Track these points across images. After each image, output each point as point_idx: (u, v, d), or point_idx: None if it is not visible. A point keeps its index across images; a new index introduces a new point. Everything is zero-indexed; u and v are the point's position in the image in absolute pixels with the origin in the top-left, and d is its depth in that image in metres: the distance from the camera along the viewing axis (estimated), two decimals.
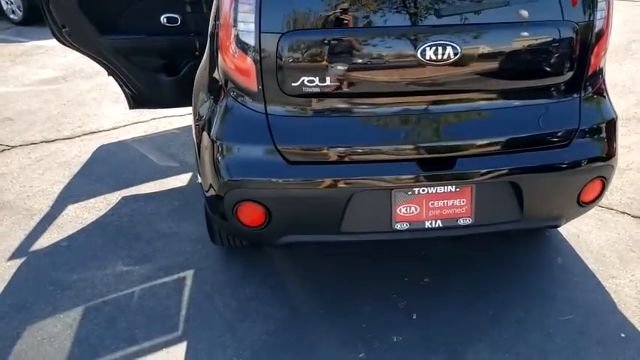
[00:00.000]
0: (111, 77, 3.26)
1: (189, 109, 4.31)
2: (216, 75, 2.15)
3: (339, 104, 1.98)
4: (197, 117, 2.25)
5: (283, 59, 1.89)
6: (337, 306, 2.35)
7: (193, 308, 2.36)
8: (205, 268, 2.60)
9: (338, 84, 1.93)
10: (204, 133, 2.10)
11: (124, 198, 3.19)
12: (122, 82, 3.21)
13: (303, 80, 1.91)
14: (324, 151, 1.98)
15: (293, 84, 1.92)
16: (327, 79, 1.91)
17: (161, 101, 3.33)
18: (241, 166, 2.00)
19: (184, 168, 3.51)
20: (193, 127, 2.28)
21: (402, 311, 2.32)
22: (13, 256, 2.71)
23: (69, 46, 3.05)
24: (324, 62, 1.89)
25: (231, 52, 1.98)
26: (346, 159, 1.97)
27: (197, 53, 3.09)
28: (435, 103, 2.00)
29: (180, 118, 4.22)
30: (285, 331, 2.23)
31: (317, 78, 1.91)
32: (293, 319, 2.29)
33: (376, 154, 1.97)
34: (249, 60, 1.92)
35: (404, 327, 2.24)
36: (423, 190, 1.98)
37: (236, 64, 1.98)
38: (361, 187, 1.97)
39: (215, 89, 2.15)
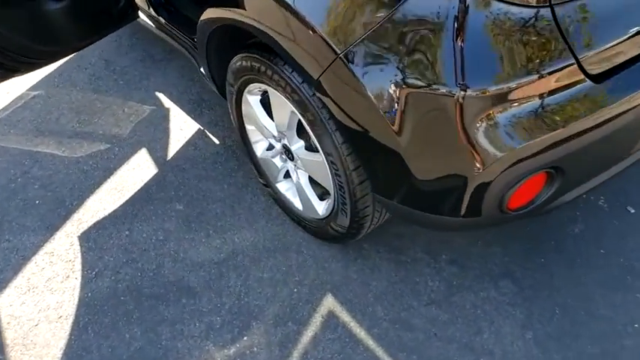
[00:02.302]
0: None
1: None
2: None
3: None
4: (360, 55, 1.15)
5: None
6: (522, 267, 1.73)
7: (403, 351, 1.50)
8: (340, 283, 1.67)
9: None
10: (410, 82, 1.08)
11: (81, 238, 1.85)
12: None
13: None
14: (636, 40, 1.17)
15: None
16: None
17: (55, 49, 1.90)
18: (528, 120, 1.09)
19: (127, 147, 2.16)
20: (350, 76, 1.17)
21: (582, 236, 1.81)
22: None
23: None
24: None
25: None
26: None
27: None
28: None
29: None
30: (523, 311, 1.57)
31: None
32: (518, 299, 1.62)
33: None
34: None
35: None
36: None
37: None
38: None
39: None
